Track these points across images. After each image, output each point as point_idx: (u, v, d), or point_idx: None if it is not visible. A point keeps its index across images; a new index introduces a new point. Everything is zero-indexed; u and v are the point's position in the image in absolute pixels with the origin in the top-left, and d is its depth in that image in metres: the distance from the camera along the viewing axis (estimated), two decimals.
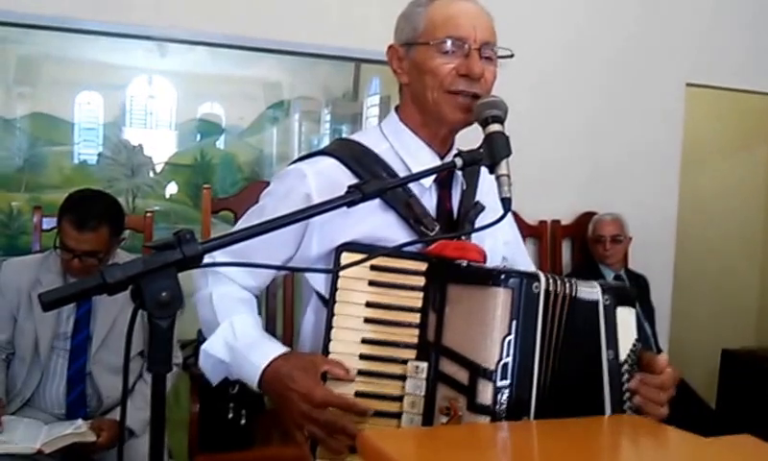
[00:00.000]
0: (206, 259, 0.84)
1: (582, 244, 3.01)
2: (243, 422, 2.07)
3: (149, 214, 2.38)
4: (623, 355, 1.00)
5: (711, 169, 3.91)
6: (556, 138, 2.99)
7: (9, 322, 2.01)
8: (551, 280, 0.95)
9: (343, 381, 0.99)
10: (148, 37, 2.58)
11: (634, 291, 1.08)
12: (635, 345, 1.02)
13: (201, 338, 2.17)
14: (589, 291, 0.99)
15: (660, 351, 2.95)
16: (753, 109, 3.66)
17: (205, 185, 2.39)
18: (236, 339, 1.05)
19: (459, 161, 0.99)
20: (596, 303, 0.99)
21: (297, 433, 0.98)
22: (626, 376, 0.99)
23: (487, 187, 1.15)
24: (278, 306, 2.29)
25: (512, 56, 1.13)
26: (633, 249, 3.00)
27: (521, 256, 1.32)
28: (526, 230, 2.90)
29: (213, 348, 1.07)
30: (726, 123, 3.88)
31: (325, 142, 3.09)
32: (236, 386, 2.08)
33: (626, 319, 1.02)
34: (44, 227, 2.26)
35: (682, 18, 3.20)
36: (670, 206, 3.24)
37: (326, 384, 0.99)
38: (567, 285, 0.97)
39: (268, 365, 1.01)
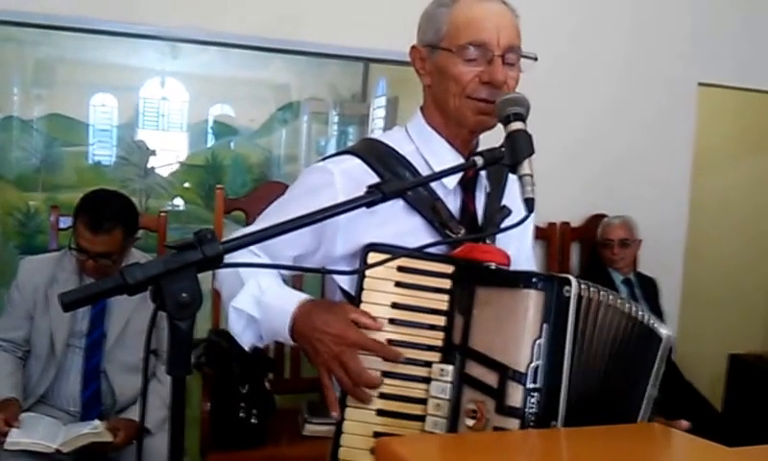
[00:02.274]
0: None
1: (591, 246, 2.99)
2: (254, 421, 2.09)
3: (162, 214, 2.39)
4: None
5: (722, 171, 3.87)
6: (565, 139, 2.94)
7: (25, 320, 2.03)
8: (582, 285, 0.95)
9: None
10: (160, 38, 2.59)
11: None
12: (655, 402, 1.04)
13: (212, 337, 2.21)
14: (659, 324, 1.02)
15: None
16: (766, 110, 3.62)
17: (218, 186, 2.41)
18: (263, 293, 1.03)
19: (479, 160, 0.97)
20: (661, 339, 1.01)
21: (325, 380, 0.97)
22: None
23: (515, 192, 1.12)
24: None
25: (535, 59, 1.10)
26: (642, 251, 2.98)
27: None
28: (535, 233, 2.88)
29: (241, 303, 1.04)
30: (737, 125, 3.83)
31: (333, 143, 3.10)
32: (246, 386, 2.10)
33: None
34: (61, 225, 2.27)
35: (693, 16, 3.14)
36: (680, 208, 3.19)
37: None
38: (610, 297, 0.97)
39: (298, 309, 0.99)
